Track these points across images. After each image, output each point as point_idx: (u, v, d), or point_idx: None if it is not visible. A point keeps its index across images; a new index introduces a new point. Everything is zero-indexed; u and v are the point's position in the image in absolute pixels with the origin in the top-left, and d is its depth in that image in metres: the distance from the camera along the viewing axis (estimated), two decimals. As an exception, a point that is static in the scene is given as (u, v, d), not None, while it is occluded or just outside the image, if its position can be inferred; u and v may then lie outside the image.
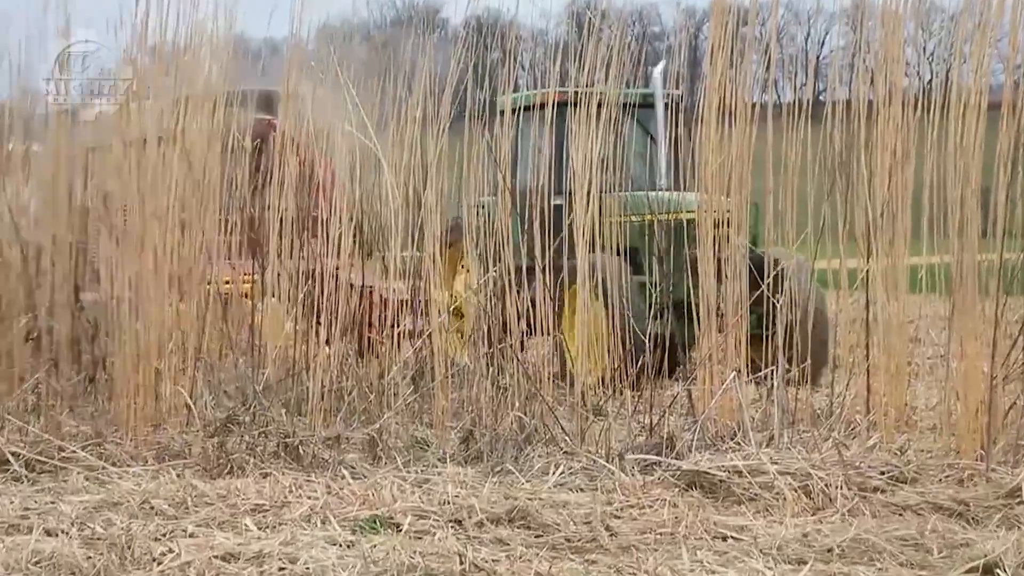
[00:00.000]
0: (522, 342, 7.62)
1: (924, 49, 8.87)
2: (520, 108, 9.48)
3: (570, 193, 7.78)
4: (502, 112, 8.13)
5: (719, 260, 7.34)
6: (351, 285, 7.80)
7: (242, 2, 7.52)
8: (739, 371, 7.09)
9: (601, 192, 7.79)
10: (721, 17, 7.16)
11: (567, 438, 6.99)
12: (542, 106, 9.16)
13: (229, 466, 6.62)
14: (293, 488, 6.13)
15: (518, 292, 7.57)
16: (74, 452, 6.75)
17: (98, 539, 5.31)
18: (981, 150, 6.59)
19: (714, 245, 7.32)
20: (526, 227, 7.94)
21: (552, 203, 8.11)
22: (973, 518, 5.72)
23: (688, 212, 8.03)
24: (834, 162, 7.19)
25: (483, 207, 8.17)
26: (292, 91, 8.01)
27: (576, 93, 7.87)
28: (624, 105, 8.05)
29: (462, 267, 9.91)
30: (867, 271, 7.09)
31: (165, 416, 7.18)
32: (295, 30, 7.72)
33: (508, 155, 8.09)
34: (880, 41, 6.95)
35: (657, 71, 10.60)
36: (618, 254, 8.45)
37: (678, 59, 8.27)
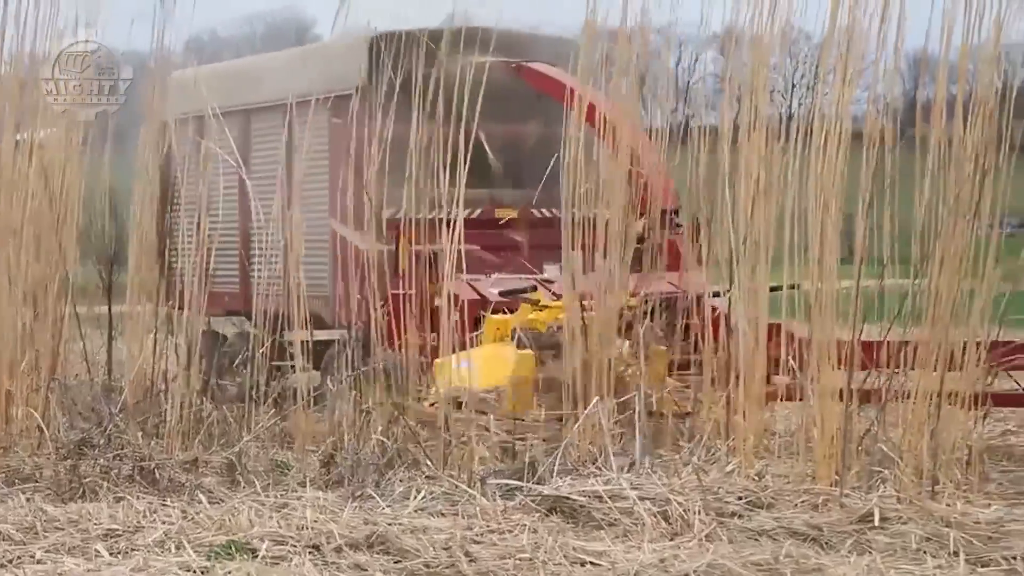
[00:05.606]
0: None
1: (791, 77, 8.91)
2: None
3: None
4: None
5: None
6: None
7: (103, 12, 7.38)
8: (602, 396, 7.09)
9: None
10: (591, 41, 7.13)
11: (429, 462, 6.96)
12: None
13: (81, 490, 6.51)
14: (148, 513, 6.03)
15: None
16: (-84, 475, 6.60)
17: (-61, 567, 5.18)
18: (843, 179, 6.60)
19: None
20: None
21: None
22: (827, 543, 5.74)
23: None
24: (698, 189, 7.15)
25: None
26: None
27: None
28: None
29: None
30: (729, 298, 7.15)
31: (15, 439, 7.05)
32: (159, 41, 7.61)
33: None
34: (750, 68, 6.95)
35: None
36: None
37: None
